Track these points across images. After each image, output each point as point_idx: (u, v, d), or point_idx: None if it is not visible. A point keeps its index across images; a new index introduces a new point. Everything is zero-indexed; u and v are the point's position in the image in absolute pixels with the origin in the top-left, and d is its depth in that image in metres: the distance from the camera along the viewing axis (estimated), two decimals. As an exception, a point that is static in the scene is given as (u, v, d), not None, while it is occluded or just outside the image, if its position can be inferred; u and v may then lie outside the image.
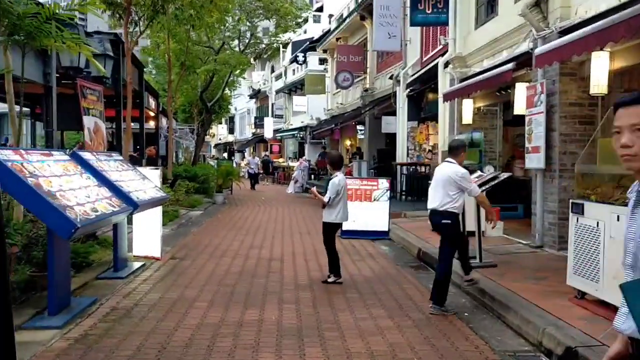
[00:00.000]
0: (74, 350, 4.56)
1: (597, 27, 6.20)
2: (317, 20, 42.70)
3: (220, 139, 61.27)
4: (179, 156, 29.23)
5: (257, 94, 50.16)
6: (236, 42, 24.75)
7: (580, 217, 5.38)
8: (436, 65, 14.00)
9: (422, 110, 17.68)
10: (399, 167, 17.63)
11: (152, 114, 19.00)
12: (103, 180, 6.58)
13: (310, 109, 34.47)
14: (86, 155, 7.01)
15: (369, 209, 10.96)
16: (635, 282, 1.90)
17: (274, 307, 5.97)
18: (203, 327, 5.23)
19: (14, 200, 6.46)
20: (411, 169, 17.20)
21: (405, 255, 9.31)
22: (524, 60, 9.21)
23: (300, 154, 38.13)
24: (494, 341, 4.95)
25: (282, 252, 9.39)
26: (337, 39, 27.34)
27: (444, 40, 13.41)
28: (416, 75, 16.62)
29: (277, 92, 44.19)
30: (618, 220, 4.80)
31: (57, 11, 7.09)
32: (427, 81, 15.71)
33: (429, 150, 17.18)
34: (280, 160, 40.71)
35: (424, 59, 16.45)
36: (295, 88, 38.51)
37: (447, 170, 6.12)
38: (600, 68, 7.01)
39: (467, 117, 11.92)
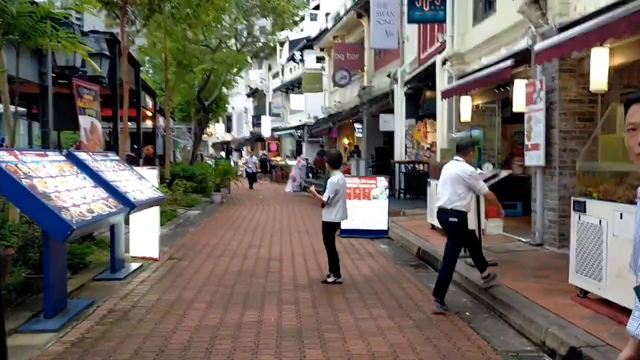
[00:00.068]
0: (70, 354, 4.49)
1: (598, 23, 6.14)
2: (314, 18, 42.55)
3: (217, 138, 61.13)
4: (177, 155, 29.11)
5: (255, 93, 50.06)
6: (233, 40, 24.62)
7: (582, 215, 5.32)
8: (434, 63, 13.94)
9: (420, 108, 17.61)
10: (397, 165, 17.56)
11: (149, 113, 18.91)
12: (99, 180, 6.51)
13: (307, 107, 34.40)
14: (82, 155, 6.94)
15: (367, 208, 10.90)
16: None
17: (273, 307, 5.91)
18: (201, 329, 5.16)
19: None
20: (409, 167, 17.14)
21: (405, 254, 9.25)
22: (522, 57, 9.16)
23: (298, 152, 38.05)
24: (496, 341, 4.90)
25: (281, 252, 9.33)
26: (334, 37, 27.24)
27: (442, 38, 13.36)
28: (414, 73, 16.55)
29: (275, 90, 44.11)
30: (621, 218, 4.75)
31: (52, 10, 7.02)
32: (425, 79, 15.64)
33: (427, 148, 17.11)
34: (278, 159, 40.62)
35: (422, 56, 16.38)
36: (293, 86, 38.43)
37: (455, 169, 6.11)
38: (600, 64, 6.95)
39: (466, 115, 11.86)
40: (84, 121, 9.23)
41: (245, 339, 4.91)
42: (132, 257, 8.20)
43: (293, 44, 39.00)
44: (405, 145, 17.93)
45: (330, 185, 7.04)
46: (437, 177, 10.47)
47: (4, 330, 2.04)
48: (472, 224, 7.60)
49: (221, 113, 32.42)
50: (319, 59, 33.82)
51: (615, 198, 4.95)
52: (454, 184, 6.01)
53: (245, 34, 24.40)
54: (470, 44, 11.94)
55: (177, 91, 22.03)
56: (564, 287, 5.78)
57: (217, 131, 59.47)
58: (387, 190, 11.19)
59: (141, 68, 19.55)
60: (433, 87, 14.62)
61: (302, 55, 36.39)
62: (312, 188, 7.75)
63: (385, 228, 10.97)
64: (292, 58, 38.03)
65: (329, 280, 7.07)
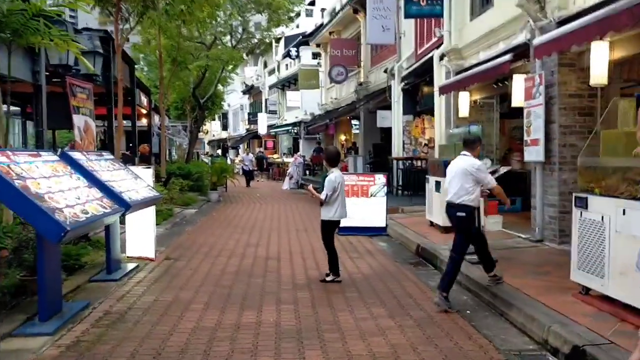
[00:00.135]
0: (66, 358, 4.41)
1: (598, 16, 6.06)
2: (309, 14, 42.43)
3: (213, 136, 60.98)
4: (173, 154, 29.00)
5: (250, 90, 49.90)
6: (228, 37, 24.48)
7: (584, 211, 5.25)
8: (431, 58, 13.85)
9: (418, 103, 17.53)
10: (395, 161, 17.49)
11: (144, 111, 18.77)
12: (93, 180, 6.41)
13: (304, 104, 34.27)
14: (76, 155, 6.84)
15: (366, 205, 10.82)
16: None
17: (271, 308, 5.82)
18: (199, 330, 5.08)
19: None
20: (407, 164, 17.06)
21: (404, 252, 9.17)
22: (521, 52, 9.09)
23: (294, 149, 37.95)
24: (498, 340, 4.83)
25: (279, 251, 9.24)
26: (330, 33, 27.14)
27: (439, 33, 13.26)
28: (411, 69, 16.47)
29: (271, 87, 43.97)
30: (624, 214, 4.68)
31: (44, 7, 6.92)
32: (422, 74, 15.55)
33: (425, 144, 17.04)
34: (275, 156, 40.50)
35: (419, 51, 16.28)
36: (289, 83, 38.31)
37: (463, 163, 6.12)
38: (600, 58, 6.87)
39: (464, 110, 11.78)
40: (77, 120, 9.13)
41: (244, 340, 4.83)
42: (128, 257, 8.10)
43: (289, 40, 38.90)
44: (403, 141, 17.84)
45: (328, 184, 6.95)
46: (436, 174, 10.50)
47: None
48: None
49: (217, 110, 32.27)
50: (315, 55, 33.70)
51: (618, 194, 4.87)
52: (462, 179, 6.02)
53: (240, 30, 24.26)
54: (468, 39, 11.85)
55: (172, 89, 21.90)
56: (566, 284, 5.71)
57: (213, 129, 59.32)
58: (385, 187, 11.11)
59: (136, 66, 19.41)
60: (430, 83, 14.54)
61: (298, 52, 36.25)
62: (310, 187, 7.66)
63: (384, 225, 10.90)
64: (288, 54, 37.87)
65: (328, 279, 6.99)
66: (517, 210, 11.03)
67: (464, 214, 5.99)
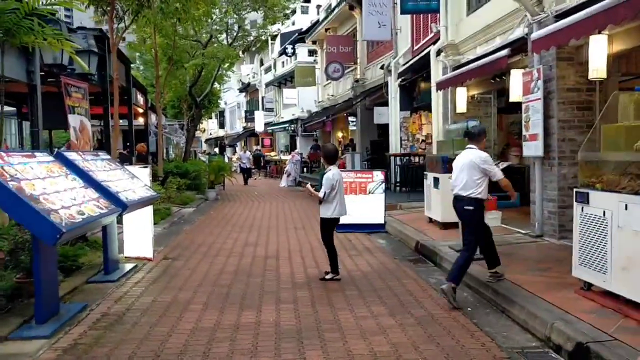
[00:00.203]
0: (63, 361, 4.36)
1: (597, 9, 5.99)
2: (305, 11, 42.37)
3: (210, 134, 60.88)
4: (170, 152, 28.91)
5: (247, 88, 49.79)
6: (224, 35, 24.40)
7: (585, 206, 5.20)
8: (428, 54, 13.79)
9: (415, 99, 17.48)
10: (392, 158, 17.44)
11: (140, 110, 18.70)
12: (89, 181, 6.34)
13: (300, 101, 34.20)
14: (72, 155, 6.76)
15: (364, 202, 10.77)
16: None
17: (271, 307, 5.77)
18: (198, 331, 5.03)
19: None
20: (405, 160, 17.01)
21: (403, 249, 9.13)
22: (519, 46, 9.05)
23: (292, 147, 37.89)
24: (500, 337, 4.78)
25: (278, 249, 9.19)
26: (326, 30, 27.05)
27: (436, 28, 13.19)
28: (408, 65, 16.41)
29: (267, 85, 43.86)
30: (626, 209, 4.63)
31: (36, 6, 6.84)
32: (419, 70, 15.50)
33: (423, 140, 16.99)
34: (272, 153, 40.43)
35: (415, 47, 16.23)
36: (285, 80, 38.22)
37: (469, 156, 6.13)
38: (599, 52, 6.81)
39: (461, 106, 11.73)
40: (73, 120, 9.06)
41: (243, 341, 4.77)
42: (125, 257, 8.05)
43: (285, 37, 38.80)
44: (400, 137, 17.79)
45: (326, 181, 6.90)
46: (434, 170, 10.46)
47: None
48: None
49: (214, 109, 32.22)
50: (311, 52, 33.63)
51: (620, 189, 4.82)
52: (470, 171, 6.03)
53: (236, 28, 24.16)
54: (465, 34, 11.80)
55: (168, 87, 21.81)
56: (567, 280, 5.68)
57: (210, 127, 59.24)
58: (383, 184, 11.07)
59: (132, 65, 19.29)
60: (427, 79, 14.47)
61: (294, 49, 36.17)
62: (308, 186, 7.60)
63: (382, 222, 10.85)
64: (284, 52, 37.78)
65: (327, 277, 6.94)
66: (516, 206, 10.97)
67: (472, 208, 6.02)
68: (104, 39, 12.02)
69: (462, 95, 11.66)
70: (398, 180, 16.84)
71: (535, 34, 7.47)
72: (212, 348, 4.60)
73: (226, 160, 33.58)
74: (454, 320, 5.28)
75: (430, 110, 14.48)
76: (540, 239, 8.31)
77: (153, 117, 19.92)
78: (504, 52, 8.89)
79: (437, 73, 13.11)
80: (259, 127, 43.05)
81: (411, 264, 7.89)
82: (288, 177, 25.76)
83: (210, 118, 50.50)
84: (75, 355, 4.47)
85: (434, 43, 13.41)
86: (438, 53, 12.98)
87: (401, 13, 15.04)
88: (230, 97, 52.29)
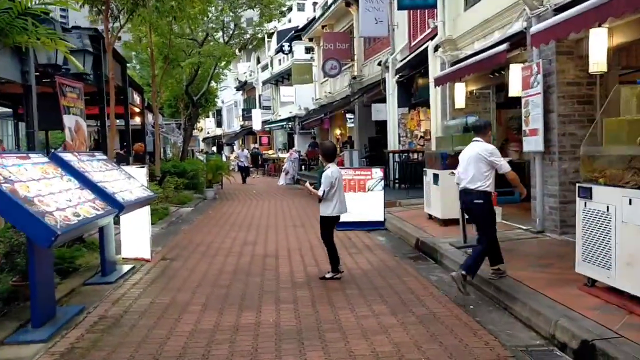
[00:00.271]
0: (60, 366, 4.28)
1: (597, 2, 5.91)
2: (301, 8, 42.22)
3: (208, 133, 60.75)
4: (167, 152, 28.81)
5: (244, 86, 49.65)
6: (220, 33, 24.30)
7: (588, 201, 5.14)
8: (425, 50, 13.71)
9: (413, 96, 17.40)
10: (391, 155, 17.36)
11: (137, 110, 18.58)
12: (85, 182, 6.26)
13: (298, 99, 34.11)
14: (67, 156, 6.68)
15: (363, 200, 10.70)
16: None
17: (271, 308, 5.69)
18: (197, 333, 4.95)
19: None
20: (403, 157, 16.94)
21: (403, 246, 9.06)
22: (517, 40, 8.98)
23: (289, 145, 37.79)
24: (503, 335, 4.71)
25: (277, 248, 9.12)
26: (323, 27, 26.95)
27: (433, 24, 13.13)
28: (405, 61, 16.32)
29: (264, 83, 43.74)
30: (630, 204, 4.57)
31: (29, 5, 6.74)
32: (416, 66, 15.42)
33: (421, 137, 16.92)
34: (270, 152, 40.34)
35: (413, 43, 16.15)
36: (282, 78, 38.10)
37: (476, 149, 6.12)
38: (599, 45, 6.74)
39: (460, 101, 11.66)
40: (68, 120, 8.96)
41: (243, 342, 4.70)
42: (123, 258, 7.96)
43: (281, 35, 38.70)
44: (399, 134, 17.71)
45: (325, 179, 6.82)
46: (433, 166, 10.39)
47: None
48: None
49: (211, 107, 32.12)
50: (308, 50, 33.52)
51: (623, 183, 4.75)
52: (477, 164, 6.01)
53: (232, 26, 24.06)
54: (463, 29, 11.73)
55: (164, 87, 21.72)
56: (570, 276, 5.60)
57: (207, 126, 59.08)
58: (383, 181, 11.00)
59: (128, 64, 19.17)
60: (425, 75, 14.41)
61: (290, 47, 36.06)
62: (307, 184, 7.52)
63: (382, 219, 10.78)
64: (280, 49, 37.66)
65: (327, 276, 6.86)
66: (516, 201, 10.89)
67: (481, 201, 5.99)
68: (99, 39, 11.91)
69: (460, 91, 11.59)
70: (397, 177, 16.77)
71: (535, 28, 7.38)
72: (211, 350, 4.52)
73: (224, 159, 33.49)
74: (456, 318, 5.21)
75: (428, 107, 14.41)
76: (542, 235, 8.25)
77: (150, 117, 19.81)
78: (503, 46, 8.81)
79: (435, 69, 13.03)
80: (256, 125, 42.94)
81: (411, 262, 7.82)
82: (286, 175, 25.69)
83: (208, 117, 50.32)
84: (72, 359, 4.40)
85: (432, 39, 13.33)
86: (436, 49, 12.90)
87: (398, 9, 14.95)
88: (228, 96, 52.15)
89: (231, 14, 23.16)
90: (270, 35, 38.18)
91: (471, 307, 5.57)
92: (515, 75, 9.02)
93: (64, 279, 6.73)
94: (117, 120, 14.43)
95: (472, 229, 7.50)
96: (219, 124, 59.11)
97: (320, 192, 6.82)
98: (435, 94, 13.18)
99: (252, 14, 25.21)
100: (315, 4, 35.61)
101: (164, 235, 10.48)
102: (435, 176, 9.93)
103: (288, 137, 40.68)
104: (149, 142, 19.72)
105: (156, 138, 17.77)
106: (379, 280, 6.74)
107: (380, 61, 18.87)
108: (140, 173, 8.35)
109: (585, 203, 5.18)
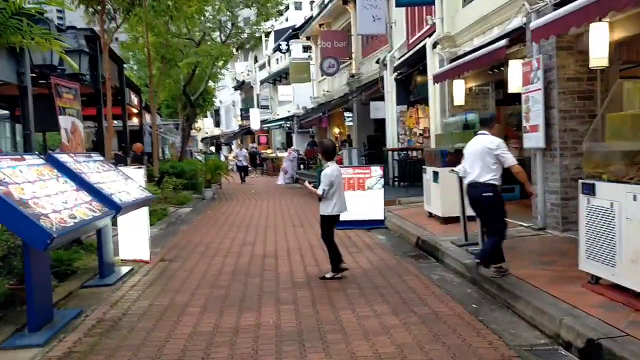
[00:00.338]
0: (57, 371, 4.21)
1: (597, -4, 5.85)
2: (298, 7, 42.18)
3: (206, 133, 60.61)
4: (166, 152, 28.73)
5: (242, 85, 49.55)
6: (217, 33, 24.21)
7: (591, 198, 5.06)
8: (424, 47, 13.64)
9: (411, 93, 17.33)
10: (390, 153, 17.29)
11: (135, 110, 18.52)
12: (82, 183, 6.18)
13: (296, 98, 34.04)
14: (63, 157, 6.60)
15: (363, 198, 10.63)
16: None
17: (271, 309, 5.62)
18: (196, 335, 4.87)
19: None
20: (402, 154, 16.88)
21: (404, 244, 8.99)
22: (517, 36, 8.91)
23: (288, 144, 37.72)
24: (507, 335, 4.64)
25: (276, 248, 9.04)
26: (320, 25, 26.86)
27: (431, 20, 13.04)
28: (403, 58, 16.24)
29: (262, 82, 43.65)
30: (635, 200, 4.49)
31: (23, 5, 6.67)
32: (415, 63, 15.34)
33: (420, 134, 16.84)
34: (269, 151, 40.26)
35: (411, 40, 16.08)
36: (280, 77, 38.03)
37: (482, 142, 6.07)
38: (600, 40, 6.66)
39: (459, 98, 11.59)
40: (64, 121, 8.89)
41: (243, 344, 4.62)
42: (122, 260, 7.89)
43: (278, 34, 38.61)
44: (397, 132, 17.64)
45: (325, 178, 6.75)
46: (433, 164, 10.32)
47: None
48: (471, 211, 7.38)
49: (209, 107, 32.00)
50: (306, 49, 33.44)
51: (627, 179, 4.69)
52: (484, 157, 5.97)
53: (229, 25, 23.96)
54: (461, 26, 11.65)
55: (162, 87, 21.62)
56: (573, 274, 5.53)
57: (205, 126, 58.91)
58: (382, 179, 10.93)
59: (125, 65, 19.08)
60: (423, 72, 14.34)
61: (288, 45, 35.98)
62: (306, 183, 7.45)
63: (382, 218, 10.71)
64: (278, 48, 37.56)
65: (328, 275, 6.80)
66: (516, 198, 10.85)
67: (491, 194, 5.93)
68: (95, 39, 11.85)
69: (459, 88, 11.52)
70: (396, 175, 16.72)
71: (534, 23, 7.32)
72: (211, 353, 4.45)
73: (222, 158, 33.40)
74: (458, 317, 5.14)
75: (427, 104, 14.34)
76: (543, 232, 8.18)
77: (148, 117, 19.72)
78: (502, 42, 8.74)
79: (433, 66, 12.96)
80: (254, 125, 42.85)
81: (412, 260, 7.76)
82: (285, 174, 25.61)
83: (206, 117, 50.21)
84: (69, 364, 4.33)
85: (430, 35, 13.26)
86: (434, 46, 12.83)
87: (396, 6, 14.87)
88: (225, 96, 52.03)
89: (228, 13, 23.08)
90: (267, 35, 38.09)
91: (474, 305, 5.50)
92: (515, 71, 8.94)
93: (61, 281, 6.65)
94: (115, 121, 14.38)
95: (473, 226, 7.48)
96: (217, 124, 59.00)
97: (319, 191, 6.74)
98: (434, 91, 13.10)
99: (249, 13, 25.13)
100: (312, 2, 35.53)
101: (163, 236, 10.40)
102: (435, 174, 9.86)
103: (286, 136, 40.61)
104: (147, 142, 19.66)
105: (154, 138, 17.70)
106: (380, 280, 6.67)
107: (379, 59, 18.80)
108: (137, 174, 8.27)
109: (588, 200, 5.11)
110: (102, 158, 8.00)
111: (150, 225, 8.72)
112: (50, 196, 5.21)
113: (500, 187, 6.11)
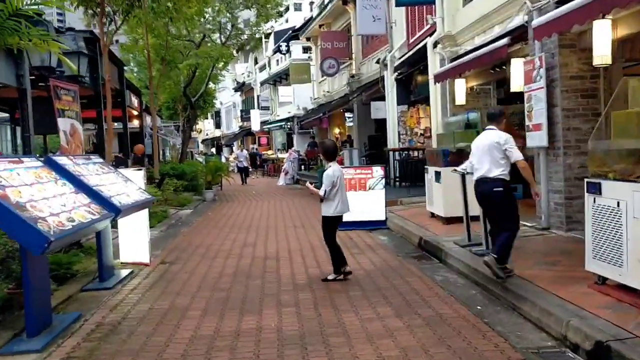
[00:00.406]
0: (55, 377, 4.13)
1: (601, -8, 5.78)
2: (298, 8, 42.11)
3: (207, 134, 60.62)
4: (166, 154, 28.67)
5: (242, 87, 49.52)
6: (217, 34, 24.16)
7: (597, 197, 4.99)
8: (424, 47, 13.57)
9: (412, 93, 17.26)
10: (391, 153, 17.22)
11: (135, 112, 18.45)
12: (81, 185, 6.11)
13: (296, 98, 33.99)
14: (62, 160, 6.53)
15: (364, 199, 10.54)
16: None
17: (272, 311, 5.54)
18: (197, 340, 4.80)
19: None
20: (404, 154, 16.80)
21: (406, 245, 8.91)
22: (518, 35, 8.84)
23: (289, 145, 37.67)
24: (513, 337, 4.56)
25: (277, 249, 8.97)
26: (320, 26, 26.82)
27: (432, 20, 12.97)
28: (404, 58, 16.18)
29: (262, 83, 43.61)
30: (642, 199, 4.42)
31: (20, 6, 6.60)
32: (415, 63, 15.28)
33: (421, 134, 16.78)
34: (269, 152, 40.19)
35: (411, 40, 16.00)
36: (280, 78, 37.98)
37: (491, 137, 6.00)
38: (603, 37, 6.58)
39: (460, 98, 11.51)
40: (62, 124, 8.81)
41: (244, 349, 4.55)
42: (121, 263, 7.82)
43: (278, 35, 38.58)
44: (399, 132, 17.57)
45: (327, 179, 6.67)
46: (435, 164, 10.23)
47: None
48: (476, 209, 7.31)
49: (209, 109, 31.98)
50: (306, 49, 33.41)
51: (634, 178, 4.61)
52: (493, 152, 5.90)
53: (229, 26, 23.91)
54: (462, 25, 11.58)
55: (162, 88, 21.57)
56: (579, 274, 5.46)
57: (206, 128, 58.98)
58: (383, 179, 10.84)
59: (126, 67, 19.03)
60: (424, 72, 14.27)
61: (288, 47, 35.96)
62: (308, 183, 7.38)
63: (384, 218, 10.63)
64: (278, 50, 37.54)
65: (330, 277, 6.72)
66: (519, 198, 10.64)
67: (501, 189, 5.85)
68: (94, 41, 11.78)
69: (460, 87, 11.44)
70: (397, 175, 16.64)
71: (537, 21, 7.24)
72: (211, 358, 4.38)
73: (223, 160, 33.34)
74: (463, 319, 5.06)
75: (428, 104, 14.27)
76: (547, 232, 8.10)
77: (148, 119, 19.66)
78: (504, 40, 8.67)
79: (434, 65, 12.89)
80: (255, 126, 42.81)
81: (415, 261, 7.68)
82: (286, 175, 25.54)
83: (206, 118, 50.25)
84: (67, 369, 4.26)
85: (430, 35, 13.19)
86: (435, 45, 12.76)
87: (396, 5, 14.82)
88: (226, 97, 52.02)
89: (228, 15, 23.03)
90: (267, 36, 38.03)
91: (478, 307, 5.42)
92: (517, 69, 8.87)
93: (60, 285, 6.58)
94: (115, 124, 14.32)
95: (476, 226, 7.41)
96: (217, 125, 58.96)
97: (321, 192, 6.66)
98: (435, 91, 13.03)
99: (249, 14, 25.09)
100: (312, 3, 35.47)
101: (163, 238, 10.32)
102: (437, 174, 9.78)
103: (287, 137, 40.55)
104: (147, 144, 19.60)
105: (154, 140, 17.63)
106: (383, 281, 6.59)
107: (379, 59, 18.74)
108: (137, 176, 8.19)
109: (594, 199, 5.03)
110: (101, 160, 7.93)
111: (151, 227, 8.66)
112: (48, 199, 5.14)
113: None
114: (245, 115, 47.05)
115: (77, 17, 13.06)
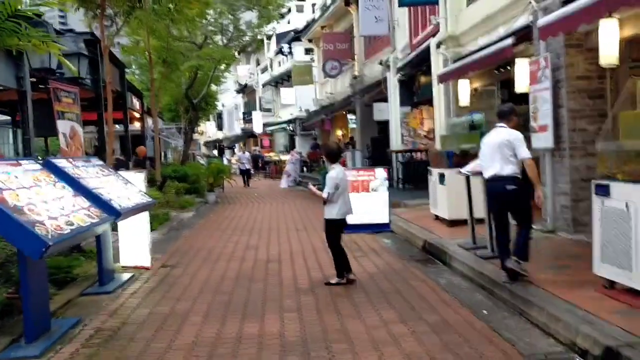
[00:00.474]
0: (52, 384, 4.05)
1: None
2: (300, 10, 42.04)
3: (209, 137, 60.57)
4: (168, 156, 28.60)
5: (244, 89, 49.49)
6: (219, 36, 24.09)
7: (606, 199, 4.88)
8: (427, 47, 13.49)
9: (415, 94, 17.16)
10: (394, 154, 17.12)
11: (137, 114, 18.39)
12: (80, 188, 6.03)
13: (298, 100, 33.93)
14: (61, 162, 6.46)
15: (367, 201, 10.43)
16: None
17: (274, 316, 5.45)
18: (198, 346, 4.70)
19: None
20: (407, 156, 16.70)
21: (410, 248, 8.81)
22: (523, 35, 8.74)
23: (291, 146, 37.59)
24: (521, 343, 4.45)
25: (280, 252, 8.88)
26: (322, 28, 26.74)
27: (435, 20, 12.89)
28: (407, 59, 16.08)
29: (264, 85, 43.58)
30: (653, 201, 4.32)
31: (19, 7, 6.53)
32: (418, 64, 15.18)
33: (425, 136, 16.68)
34: (272, 154, 40.12)
35: (414, 41, 15.90)
36: (282, 80, 37.93)
37: (502, 135, 5.91)
38: (610, 37, 6.46)
39: (464, 99, 11.40)
40: (62, 126, 8.73)
41: (246, 355, 4.45)
42: (122, 267, 7.73)
43: (280, 36, 38.51)
44: (402, 133, 17.48)
45: (330, 181, 6.57)
46: (438, 165, 10.14)
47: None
48: (481, 212, 7.22)
49: (211, 111, 31.88)
50: (308, 51, 33.34)
51: (644, 179, 4.51)
52: (503, 150, 5.80)
53: (231, 28, 23.84)
54: (466, 25, 11.49)
55: (164, 90, 21.50)
56: (587, 277, 5.35)
57: (208, 130, 58.91)
58: (387, 181, 10.74)
59: (128, 69, 18.94)
60: (427, 73, 14.16)
61: (290, 48, 35.90)
62: (311, 186, 7.29)
63: (387, 221, 10.52)
64: (280, 51, 37.50)
65: (333, 281, 6.62)
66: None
67: (515, 187, 5.74)
68: (95, 43, 11.72)
69: (464, 88, 11.34)
70: (400, 177, 16.54)
71: (542, 21, 7.14)
72: (212, 364, 4.29)
73: (225, 162, 33.25)
74: (469, 325, 4.95)
75: (431, 105, 14.17)
76: (554, 235, 8.00)
77: (150, 121, 19.60)
78: (509, 41, 8.57)
79: (437, 66, 12.79)
80: (257, 128, 42.76)
81: (419, 265, 7.57)
82: (288, 177, 25.43)
83: (208, 120, 50.15)
84: (65, 377, 4.17)
85: (434, 36, 13.10)
86: (438, 46, 12.67)
87: (399, 6, 14.72)
88: (228, 99, 51.97)
89: (230, 16, 22.95)
90: (269, 38, 37.98)
91: (484, 312, 5.32)
92: (522, 70, 8.76)
93: (60, 289, 6.49)
94: (117, 126, 14.26)
95: (481, 229, 7.32)
96: (219, 127, 58.92)
97: (324, 194, 6.57)
98: (438, 92, 12.94)
99: (251, 16, 25.01)
100: (314, 5, 35.43)
101: (165, 241, 10.23)
102: (442, 176, 9.69)
103: (289, 139, 40.49)
104: (149, 146, 19.53)
105: (156, 142, 17.56)
106: (387, 285, 6.49)
107: (381, 60, 18.63)
108: (138, 178, 8.11)
109: (602, 201, 4.93)
110: (101, 162, 7.85)
111: (152, 230, 8.58)
112: (46, 202, 5.06)
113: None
114: (247, 117, 47.04)
115: (79, 19, 12.98)
